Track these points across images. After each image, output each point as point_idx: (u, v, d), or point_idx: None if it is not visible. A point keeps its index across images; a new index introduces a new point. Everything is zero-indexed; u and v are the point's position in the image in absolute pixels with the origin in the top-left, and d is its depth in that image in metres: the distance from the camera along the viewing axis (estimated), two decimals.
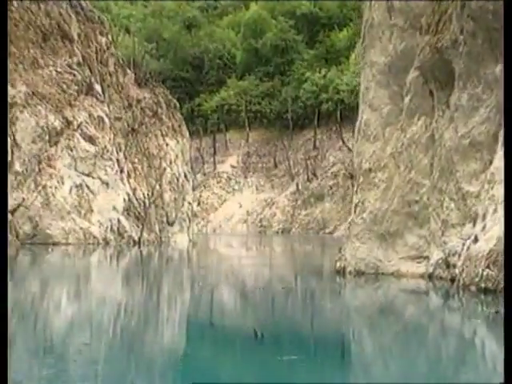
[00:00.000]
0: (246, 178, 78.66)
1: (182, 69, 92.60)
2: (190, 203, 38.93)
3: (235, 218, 72.27)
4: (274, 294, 14.95)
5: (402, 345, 9.52)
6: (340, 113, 75.72)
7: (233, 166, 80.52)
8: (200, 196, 73.27)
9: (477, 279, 12.67)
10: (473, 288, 13.04)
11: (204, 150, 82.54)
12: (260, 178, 77.89)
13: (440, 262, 14.95)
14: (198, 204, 70.01)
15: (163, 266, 27.42)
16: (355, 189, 17.27)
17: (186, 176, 38.67)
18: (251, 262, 27.80)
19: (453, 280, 14.43)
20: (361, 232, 16.51)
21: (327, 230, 65.02)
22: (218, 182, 77.63)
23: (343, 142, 73.01)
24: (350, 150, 70.09)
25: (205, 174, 78.96)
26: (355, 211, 16.71)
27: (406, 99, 15.75)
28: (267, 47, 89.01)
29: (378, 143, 16.29)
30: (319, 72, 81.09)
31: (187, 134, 40.76)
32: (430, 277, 15.39)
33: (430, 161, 15.40)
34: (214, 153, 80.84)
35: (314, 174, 70.88)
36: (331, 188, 67.15)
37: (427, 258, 15.60)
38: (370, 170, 16.34)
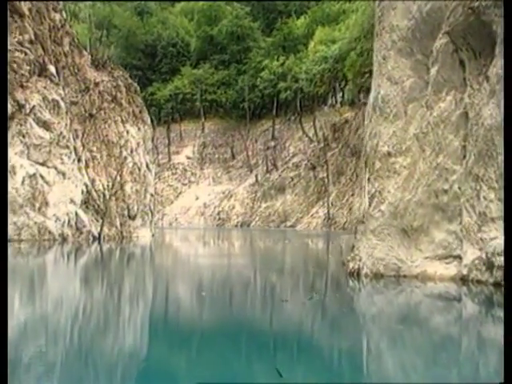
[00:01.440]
0: (202, 169, 76.04)
1: (133, 57, 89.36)
2: (152, 195, 36.13)
3: (192, 210, 69.57)
4: (299, 306, 12.40)
5: (432, 363, 7.70)
6: (300, 102, 73.60)
7: (188, 157, 77.79)
8: (155, 188, 70.30)
9: None
10: None
11: (158, 140, 79.47)
12: (217, 169, 75.33)
13: (477, 262, 12.61)
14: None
15: (125, 265, 24.79)
16: (368, 176, 14.78)
17: (147, 166, 35.84)
18: (237, 263, 25.24)
19: (497, 284, 12.11)
20: (378, 227, 14.04)
21: (289, 223, 62.76)
22: (173, 174, 74.76)
23: (303, 132, 70.89)
24: (311, 140, 68.16)
25: (159, 166, 75.91)
26: (371, 203, 14.24)
27: (433, 70, 13.34)
28: (222, 34, 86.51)
29: (398, 122, 13.84)
30: (277, 60, 78.79)
31: (149, 121, 37.91)
32: (464, 280, 13.03)
33: (462, 143, 13.03)
34: (169, 143, 77.87)
35: (275, 165, 68.53)
36: (292, 179, 64.85)
37: (459, 257, 13.23)
38: (389, 154, 13.89)
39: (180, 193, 72.62)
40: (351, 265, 14.59)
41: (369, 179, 14.58)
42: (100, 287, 16.02)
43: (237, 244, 40.44)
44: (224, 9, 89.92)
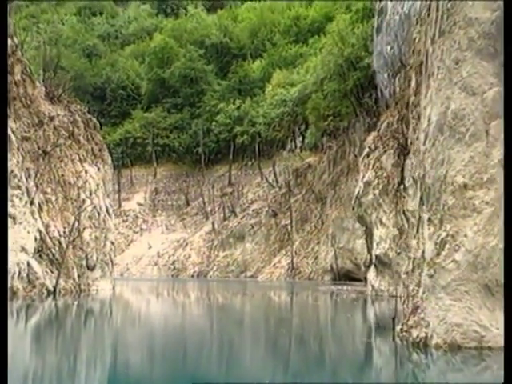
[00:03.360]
0: (154, 216, 72.12)
1: (81, 99, 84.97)
2: (112, 243, 32.29)
3: (144, 260, 65.43)
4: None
5: None
6: (258, 146, 70.80)
7: (140, 204, 73.84)
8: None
9: None
10: None
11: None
12: (170, 216, 71.51)
13: None
14: None
15: (82, 326, 21.26)
16: (430, 216, 11.48)
17: (108, 210, 32.07)
18: (226, 319, 21.93)
19: None
20: (452, 283, 10.72)
21: (249, 274, 59.21)
22: (123, 221, 70.53)
23: (262, 178, 67.85)
24: (271, 185, 65.19)
25: None
26: (440, 250, 10.94)
27: None
28: (175, 77, 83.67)
29: (477, 145, 10.67)
30: (233, 103, 76.17)
31: (109, 160, 34.26)
32: None
33: None
34: (119, 190, 73.57)
35: (233, 212, 65.06)
36: (252, 227, 61.47)
37: None
38: (465, 186, 10.67)
39: (131, 241, 68.48)
40: (415, 332, 11.17)
41: (430, 220, 11.28)
42: (52, 355, 13.19)
43: (204, 301, 37.30)
44: (177, 51, 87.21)
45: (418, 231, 13.32)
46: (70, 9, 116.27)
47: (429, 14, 12.91)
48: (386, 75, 46.13)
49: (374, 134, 29.99)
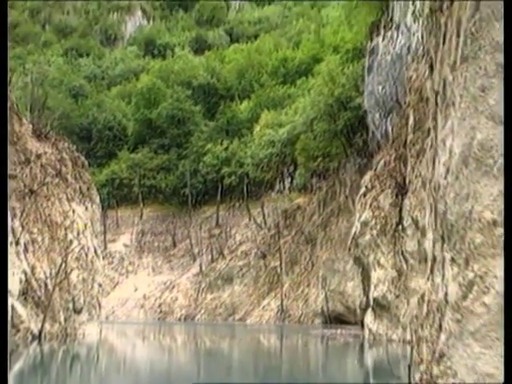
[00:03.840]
0: (140, 258, 70.88)
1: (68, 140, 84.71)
2: (100, 285, 31.20)
3: (130, 303, 64.05)
4: None
5: None
6: (246, 187, 70.08)
7: (126, 245, 72.64)
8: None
9: None
10: None
11: None
12: (157, 258, 70.29)
13: None
14: None
15: (67, 373, 20.33)
16: (453, 255, 10.64)
17: (96, 251, 31.05)
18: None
19: None
20: (482, 328, 9.78)
21: (237, 317, 57.95)
22: (109, 263, 69.14)
23: (250, 219, 67.01)
24: (260, 226, 64.35)
25: None
26: (467, 293, 10.07)
27: None
28: (162, 118, 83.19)
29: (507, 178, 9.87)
30: (220, 144, 75.62)
31: (97, 199, 33.31)
32: None
33: None
34: (105, 231, 72.22)
35: (221, 254, 63.99)
36: (241, 269, 60.39)
37: None
38: (494, 222, 9.81)
39: (117, 283, 67.12)
40: (441, 382, 10.24)
41: (453, 259, 10.42)
42: None
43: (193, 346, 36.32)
44: (164, 92, 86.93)
45: (432, 272, 12.42)
46: (56, 50, 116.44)
47: (444, 42, 12.20)
48: (377, 115, 45.74)
49: (370, 173, 29.34)
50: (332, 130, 53.55)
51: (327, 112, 53.13)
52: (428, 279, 13.04)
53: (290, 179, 67.43)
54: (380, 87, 44.15)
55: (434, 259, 12.56)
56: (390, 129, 43.40)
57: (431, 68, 26.46)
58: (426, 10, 27.55)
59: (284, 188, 67.65)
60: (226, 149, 75.03)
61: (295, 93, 79.01)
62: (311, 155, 58.40)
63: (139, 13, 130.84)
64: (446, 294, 10.64)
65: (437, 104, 12.94)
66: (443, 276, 10.84)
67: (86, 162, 34.13)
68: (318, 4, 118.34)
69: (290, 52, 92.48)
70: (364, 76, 48.25)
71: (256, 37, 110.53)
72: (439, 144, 11.94)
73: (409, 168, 26.36)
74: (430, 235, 14.71)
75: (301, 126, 60.88)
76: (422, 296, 15.22)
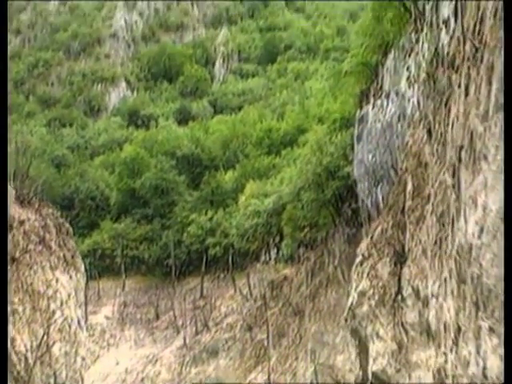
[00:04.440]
0: (122, 330, 68.86)
1: None
2: (83, 359, 29.63)
3: (112, 377, 61.74)
4: None
5: None
6: (232, 258, 68.90)
7: (107, 317, 70.67)
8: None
9: None
10: None
11: None
12: (139, 330, 68.29)
13: None
14: None
15: None
16: (500, 325, 9.56)
17: (79, 322, 29.59)
18: None
19: None
20: None
21: None
22: (90, 336, 66.94)
23: (236, 290, 65.59)
24: (245, 298, 62.94)
25: None
26: None
27: None
28: (146, 188, 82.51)
29: None
30: (205, 214, 74.76)
31: (82, 268, 32.00)
32: None
33: None
34: (86, 303, 70.34)
35: (206, 326, 62.25)
36: (226, 342, 58.60)
37: None
38: None
39: (98, 357, 64.86)
40: None
41: (492, 329, 9.39)
42: None
43: None
44: (147, 162, 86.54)
45: (456, 343, 11.40)
46: (40, 120, 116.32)
47: (467, 94, 11.46)
48: (367, 184, 45.06)
49: (366, 240, 28.32)
50: (320, 200, 52.75)
51: (315, 181, 52.46)
52: (451, 351, 11.95)
53: (276, 250, 66.35)
54: (370, 156, 43.59)
55: (459, 329, 11.50)
56: (380, 198, 42.67)
57: (429, 133, 25.68)
58: (423, 75, 27.12)
59: (270, 258, 66.52)
60: (211, 219, 74.28)
61: (280, 163, 78.85)
62: (298, 225, 57.54)
63: (123, 84, 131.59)
64: (484, 369, 9.57)
65: (460, 160, 12.12)
66: (478, 348, 9.78)
67: (71, 229, 32.97)
68: (301, 76, 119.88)
69: (275, 123, 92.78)
70: (353, 145, 47.77)
71: (240, 108, 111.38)
72: (467, 201, 11.04)
73: (408, 235, 25.43)
74: (449, 303, 13.66)
75: (287, 195, 60.17)
76: (439, 370, 14.04)
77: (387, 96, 40.92)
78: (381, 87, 42.23)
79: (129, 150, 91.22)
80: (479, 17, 11.68)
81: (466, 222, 10.67)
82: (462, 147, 11.37)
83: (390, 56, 39.45)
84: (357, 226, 50.03)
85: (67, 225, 32.06)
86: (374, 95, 43.51)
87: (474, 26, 12.04)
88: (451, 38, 15.79)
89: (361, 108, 46.01)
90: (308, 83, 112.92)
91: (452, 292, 12.66)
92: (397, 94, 38.56)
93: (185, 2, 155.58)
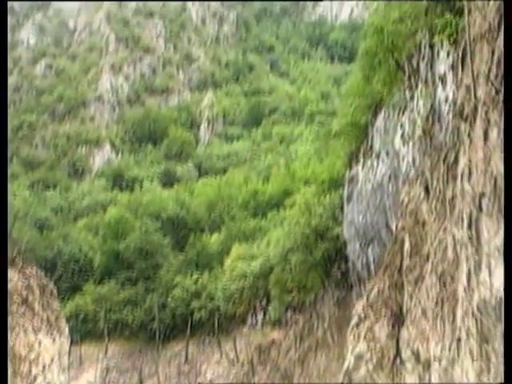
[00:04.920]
0: None
1: None
2: None
3: None
4: None
5: None
6: (217, 322, 67.45)
7: (89, 383, 68.61)
8: None
9: None
10: None
11: None
12: None
13: None
14: None
15: None
16: None
17: None
18: None
19: None
20: None
21: None
22: None
23: (222, 355, 64.00)
24: (232, 363, 61.45)
25: None
26: None
27: None
28: (130, 250, 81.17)
29: None
30: (190, 277, 73.57)
31: (66, 331, 30.84)
32: None
33: None
34: (68, 367, 68.50)
35: None
36: None
37: None
38: None
39: None
40: None
41: None
42: None
43: None
44: (132, 224, 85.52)
45: None
46: (23, 182, 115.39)
47: (486, 139, 10.87)
48: (357, 245, 44.43)
49: (362, 302, 27.50)
50: (308, 262, 52.05)
51: (303, 243, 51.91)
52: None
53: (263, 313, 65.08)
54: (360, 216, 43.08)
55: None
56: (371, 259, 42.05)
57: (427, 190, 24.94)
58: (418, 132, 26.73)
59: (257, 322, 65.19)
60: (196, 282, 73.05)
61: (266, 225, 78.31)
62: (286, 288, 56.77)
63: (108, 146, 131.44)
64: None
65: (480, 209, 11.43)
66: None
67: (55, 290, 31.90)
68: (286, 139, 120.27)
69: (261, 185, 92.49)
70: (343, 205, 47.33)
71: (225, 171, 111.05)
72: (491, 253, 10.32)
73: (406, 296, 24.67)
74: (466, 365, 12.79)
75: (275, 257, 59.52)
76: None
77: (378, 156, 40.61)
78: (371, 147, 41.95)
79: (113, 212, 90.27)
80: (495, 60, 11.20)
81: (490, 275, 9.97)
82: (482, 195, 10.74)
83: (380, 116, 39.25)
84: (346, 289, 49.24)
85: (51, 285, 31.04)
86: (363, 155, 43.22)
87: (489, 70, 11.55)
88: (457, 87, 15.30)
89: (350, 168, 45.70)
90: (293, 146, 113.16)
91: (471, 353, 11.81)
92: (387, 153, 38.24)
93: (170, 66, 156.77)
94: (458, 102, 14.31)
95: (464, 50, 15.21)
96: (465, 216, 12.79)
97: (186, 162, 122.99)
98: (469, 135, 13.26)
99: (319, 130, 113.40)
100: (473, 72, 12.84)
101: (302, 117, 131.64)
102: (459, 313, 13.85)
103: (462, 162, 14.00)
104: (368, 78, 39.05)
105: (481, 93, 12.11)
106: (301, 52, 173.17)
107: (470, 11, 13.34)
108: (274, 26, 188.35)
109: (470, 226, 11.87)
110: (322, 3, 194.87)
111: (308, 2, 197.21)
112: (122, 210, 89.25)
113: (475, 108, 12.57)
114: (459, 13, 19.69)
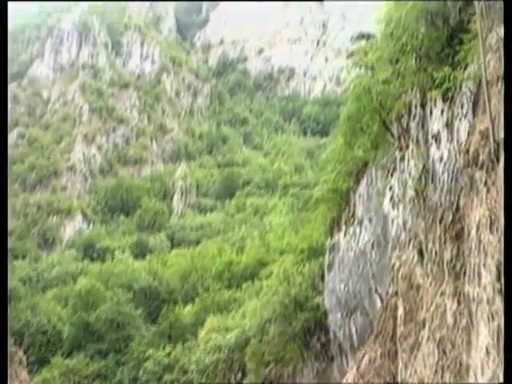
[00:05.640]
0: None
1: None
2: None
3: None
4: None
5: None
6: None
7: None
8: None
9: None
10: None
11: None
12: None
13: None
14: None
15: None
16: None
17: None
18: None
19: None
20: None
21: None
22: None
23: None
24: None
25: None
26: None
27: None
28: (101, 321, 79.16)
29: None
30: (163, 350, 71.38)
31: None
32: None
33: None
34: None
35: None
36: None
37: None
38: None
39: None
40: None
41: None
42: None
43: None
44: (103, 294, 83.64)
45: None
46: None
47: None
48: (339, 315, 43.07)
49: (353, 372, 26.21)
50: (287, 333, 50.36)
51: (282, 313, 50.34)
52: None
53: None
54: (342, 285, 41.90)
55: None
56: (354, 329, 40.69)
57: (420, 253, 23.68)
58: (410, 193, 25.89)
59: None
60: (169, 355, 70.91)
61: (241, 297, 76.85)
62: (263, 360, 54.74)
63: (79, 216, 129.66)
64: None
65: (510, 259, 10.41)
66: None
67: (24, 359, 30.18)
68: (260, 211, 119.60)
69: (235, 256, 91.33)
70: (323, 274, 46.16)
71: (198, 242, 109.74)
72: None
73: (400, 365, 23.41)
74: None
75: (251, 329, 57.69)
76: None
77: (360, 223, 39.76)
78: (353, 214, 41.12)
79: (83, 282, 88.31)
80: None
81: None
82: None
83: (363, 182, 38.57)
84: (327, 361, 47.63)
85: (20, 354, 29.31)
86: (345, 222, 42.34)
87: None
88: (469, 135, 14.53)
89: (332, 236, 44.73)
90: (267, 218, 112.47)
91: None
92: (370, 220, 37.44)
93: (144, 137, 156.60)
94: (471, 149, 13.54)
95: (476, 95, 14.52)
96: (486, 270, 11.80)
97: (159, 233, 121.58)
98: (485, 183, 12.42)
99: (293, 201, 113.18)
100: (491, 114, 12.09)
101: (276, 189, 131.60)
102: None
103: (477, 212, 13.09)
104: (350, 143, 38.41)
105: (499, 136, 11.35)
106: (274, 125, 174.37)
107: (485, 53, 12.69)
108: (248, 100, 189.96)
109: (498, 278, 10.87)
110: (295, 78, 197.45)
111: (281, 77, 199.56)
112: (92, 281, 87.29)
113: (494, 152, 11.76)
114: (458, 65, 19.17)
